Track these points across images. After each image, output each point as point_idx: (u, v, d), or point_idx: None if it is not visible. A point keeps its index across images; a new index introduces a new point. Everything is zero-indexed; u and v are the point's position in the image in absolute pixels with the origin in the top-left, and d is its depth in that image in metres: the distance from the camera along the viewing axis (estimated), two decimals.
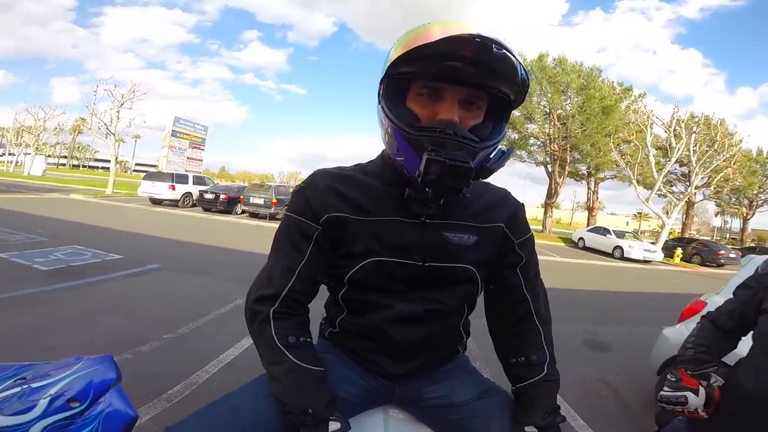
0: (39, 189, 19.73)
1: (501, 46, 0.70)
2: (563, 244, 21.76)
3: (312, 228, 0.85)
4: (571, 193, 57.86)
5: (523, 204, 0.99)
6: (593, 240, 19.95)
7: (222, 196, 16.70)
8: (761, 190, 35.25)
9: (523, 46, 33.69)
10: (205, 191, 17.21)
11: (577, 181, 30.67)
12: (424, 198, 0.79)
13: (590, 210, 30.21)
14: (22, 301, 3.91)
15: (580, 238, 21.15)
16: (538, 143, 26.72)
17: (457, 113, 0.76)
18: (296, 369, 0.79)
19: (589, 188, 30.49)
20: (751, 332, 1.12)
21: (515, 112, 23.12)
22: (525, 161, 27.97)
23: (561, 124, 24.61)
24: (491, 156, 0.79)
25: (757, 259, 3.07)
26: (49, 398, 0.78)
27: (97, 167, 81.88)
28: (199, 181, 19.08)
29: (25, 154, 35.19)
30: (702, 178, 22.37)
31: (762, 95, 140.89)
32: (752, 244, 34.80)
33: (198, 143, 29.49)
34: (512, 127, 26.31)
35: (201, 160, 30.25)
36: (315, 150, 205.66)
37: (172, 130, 27.42)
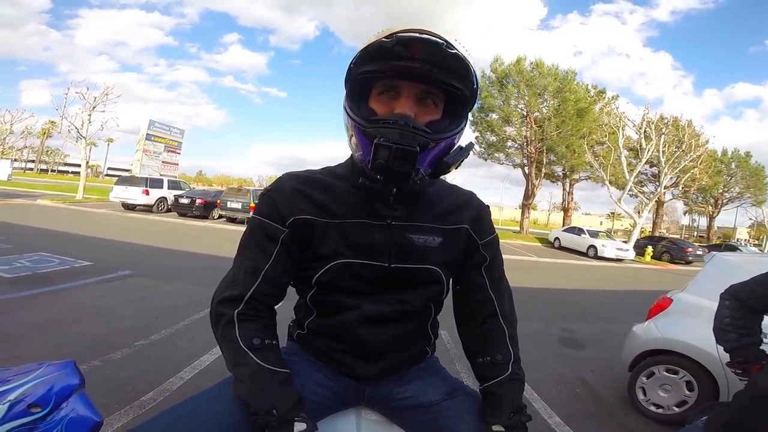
0: (4, 194, 18.85)
1: (451, 45, 0.74)
2: (540, 244, 22.17)
3: (278, 230, 0.85)
4: (548, 194, 59.23)
5: (487, 206, 1.01)
6: (568, 240, 20.41)
7: (198, 201, 16.32)
8: (725, 189, 36.91)
9: (502, 51, 34.22)
10: (181, 196, 16.78)
11: (553, 182, 31.33)
12: (378, 187, 0.80)
13: (566, 210, 30.92)
14: None
15: (556, 238, 21.59)
16: (516, 146, 27.18)
17: (412, 108, 0.79)
18: (261, 371, 0.79)
19: (564, 189, 31.23)
20: None
21: (494, 115, 23.28)
22: (503, 163, 28.46)
23: (537, 126, 25.12)
24: (450, 152, 0.82)
25: (719, 256, 3.22)
26: (8, 404, 0.76)
27: (67, 171, 79.12)
28: (174, 185, 18.63)
29: None
30: (671, 178, 23.20)
31: (727, 97, 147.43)
32: (718, 242, 36.16)
33: (174, 147, 28.81)
34: (490, 130, 26.73)
35: (177, 164, 29.54)
36: (296, 154, 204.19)
37: (147, 134, 26.69)
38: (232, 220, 16.17)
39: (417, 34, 0.74)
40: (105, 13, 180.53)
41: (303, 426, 0.75)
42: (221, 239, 11.02)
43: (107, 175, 75.34)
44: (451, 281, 0.98)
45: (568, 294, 8.82)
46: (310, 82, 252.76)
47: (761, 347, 1.26)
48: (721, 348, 1.37)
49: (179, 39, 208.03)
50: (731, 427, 1.07)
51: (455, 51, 0.75)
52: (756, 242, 43.64)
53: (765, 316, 1.28)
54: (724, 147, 35.56)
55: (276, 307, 0.90)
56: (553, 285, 9.62)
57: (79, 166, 24.20)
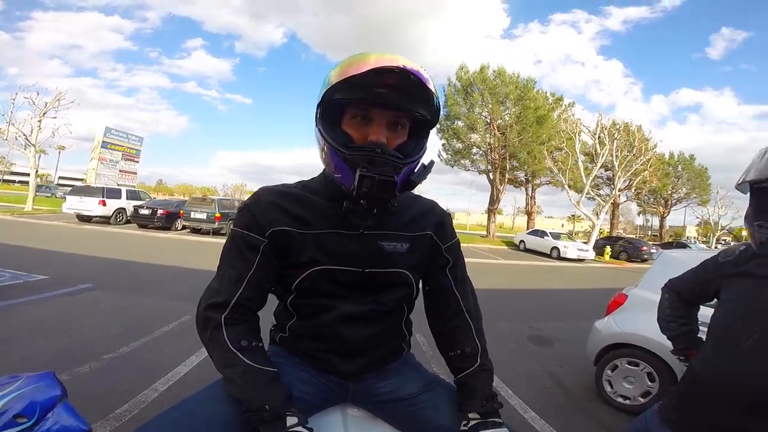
0: None
1: (419, 75, 0.82)
2: (506, 247, 22.76)
3: (258, 240, 0.91)
4: (512, 199, 60.67)
5: (449, 213, 1.12)
6: (533, 242, 21.11)
7: (160, 212, 15.69)
8: (674, 190, 39.26)
9: (468, 59, 34.70)
10: (141, 206, 16.12)
11: (517, 187, 32.26)
12: (360, 210, 0.87)
13: (529, 214, 31.82)
14: None
15: (521, 241, 22.27)
16: (480, 152, 27.85)
17: (384, 135, 0.87)
18: (251, 370, 0.83)
19: (527, 194, 32.18)
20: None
21: (459, 123, 23.74)
22: (469, 170, 29.07)
23: (500, 133, 25.86)
24: (415, 170, 0.91)
25: (666, 254, 3.45)
26: None
27: (14, 181, 74.29)
28: (133, 195, 17.84)
29: None
30: (624, 181, 24.41)
31: (672, 102, 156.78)
32: (670, 240, 38.28)
33: (132, 155, 27.60)
34: (456, 137, 27.30)
35: (135, 173, 28.29)
36: (261, 161, 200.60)
37: (103, 141, 25.41)
38: (196, 231, 15.67)
39: (390, 66, 0.80)
40: (60, 16, 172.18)
41: (295, 420, 0.79)
42: (186, 251, 10.69)
43: (59, 184, 71.21)
44: (420, 283, 1.07)
45: (534, 294, 9.14)
46: (277, 89, 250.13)
47: (698, 335, 1.39)
48: None
49: (139, 43, 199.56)
50: (678, 409, 1.16)
51: (423, 80, 0.82)
52: (704, 239, 46.50)
53: (701, 306, 1.42)
54: (671, 150, 37.93)
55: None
56: (520, 286, 9.93)
57: (27, 175, 22.77)
